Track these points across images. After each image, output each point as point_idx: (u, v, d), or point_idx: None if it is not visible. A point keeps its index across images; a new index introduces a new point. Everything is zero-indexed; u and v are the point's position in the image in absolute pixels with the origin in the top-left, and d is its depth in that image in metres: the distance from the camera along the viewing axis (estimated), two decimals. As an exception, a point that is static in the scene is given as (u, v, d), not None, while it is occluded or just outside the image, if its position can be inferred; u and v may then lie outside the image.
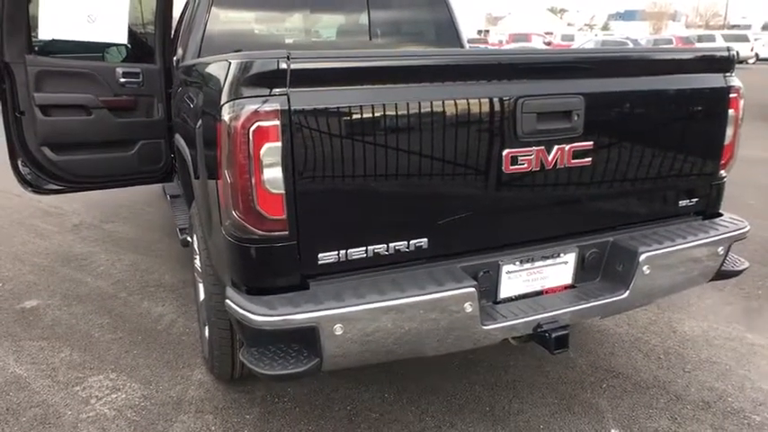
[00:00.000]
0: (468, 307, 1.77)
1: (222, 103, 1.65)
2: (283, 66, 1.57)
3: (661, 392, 2.63)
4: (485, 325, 1.85)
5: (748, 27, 57.70)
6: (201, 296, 2.91)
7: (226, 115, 1.62)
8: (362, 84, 1.67)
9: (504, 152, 1.85)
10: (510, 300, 2.03)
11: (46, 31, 3.69)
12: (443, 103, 1.75)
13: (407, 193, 1.79)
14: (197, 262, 2.89)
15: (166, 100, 4.06)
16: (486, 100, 1.80)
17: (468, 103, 1.78)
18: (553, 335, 1.94)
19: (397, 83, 1.72)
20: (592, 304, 2.02)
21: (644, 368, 2.83)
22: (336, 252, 1.73)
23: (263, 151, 1.58)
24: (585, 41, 30.06)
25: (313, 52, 1.65)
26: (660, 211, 2.25)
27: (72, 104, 3.78)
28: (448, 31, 3.97)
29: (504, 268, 1.98)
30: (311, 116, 1.61)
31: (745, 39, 30.43)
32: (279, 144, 1.59)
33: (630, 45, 26.48)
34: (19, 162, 3.83)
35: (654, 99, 2.06)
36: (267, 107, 1.57)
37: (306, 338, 1.66)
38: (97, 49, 4.10)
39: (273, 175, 1.60)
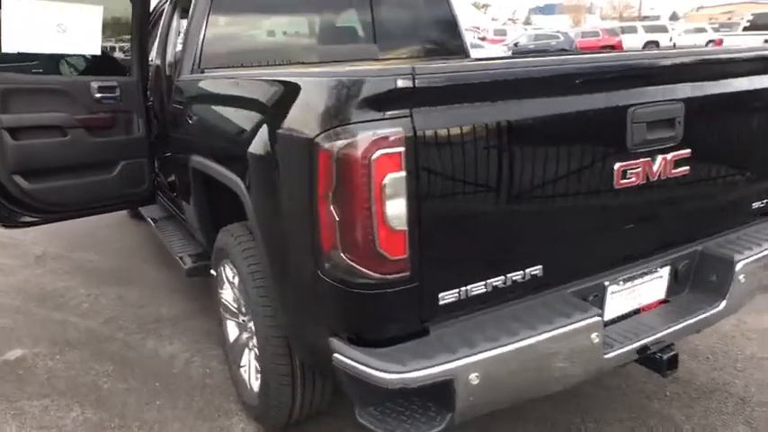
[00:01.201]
0: (594, 337, 1.62)
1: (326, 128, 1.42)
2: (407, 84, 1.35)
3: (725, 396, 2.59)
4: (605, 353, 1.71)
5: (657, 18, 60.93)
6: (231, 335, 2.64)
7: (333, 142, 1.39)
8: (492, 99, 1.48)
9: (616, 166, 1.71)
10: (614, 322, 1.90)
11: (9, 44, 3.25)
12: (563, 115, 1.58)
13: (528, 217, 1.62)
14: (224, 296, 2.62)
15: (146, 115, 3.72)
16: (600, 110, 1.65)
17: (584, 115, 1.63)
18: (664, 356, 1.82)
19: (530, 96, 1.54)
20: (694, 320, 1.92)
21: (698, 371, 2.79)
22: (457, 290, 1.54)
23: (386, 183, 1.36)
24: (518, 36, 30.75)
25: (436, 66, 1.44)
26: (740, 214, 2.18)
27: (44, 125, 3.37)
28: (449, 30, 3.82)
29: (610, 289, 1.85)
30: (436, 140, 1.41)
31: (664, 29, 32.05)
32: (403, 174, 1.38)
33: (561, 38, 27.31)
34: (-15, 194, 3.39)
35: (742, 100, 1.99)
36: (390, 132, 1.35)
37: (434, 392, 1.46)
38: (48, 62, 3.70)
39: (397, 209, 1.39)
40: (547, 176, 1.59)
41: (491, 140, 1.48)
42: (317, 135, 1.44)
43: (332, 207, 1.43)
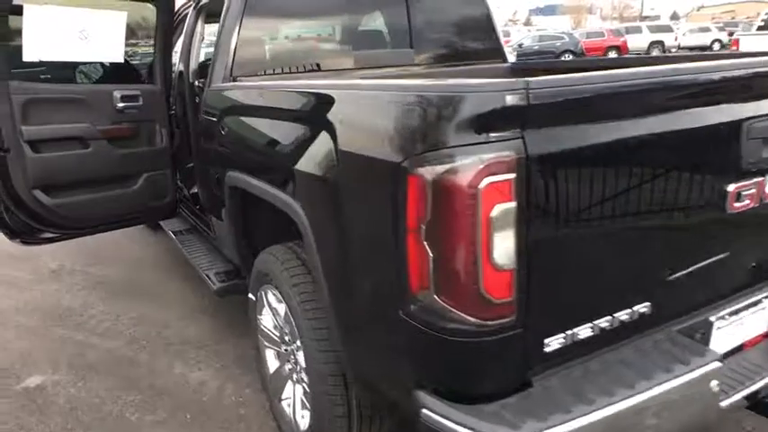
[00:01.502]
0: (714, 385, 1.42)
1: (418, 151, 1.23)
2: (520, 100, 1.16)
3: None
4: (721, 401, 1.51)
5: (657, 17, 60.70)
6: (271, 365, 2.45)
7: (428, 168, 1.20)
8: (613, 115, 1.28)
9: (731, 188, 1.51)
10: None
11: (31, 52, 3.07)
12: (680, 132, 1.39)
13: (642, 248, 1.42)
14: (264, 323, 2.42)
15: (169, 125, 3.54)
16: (717, 125, 1.46)
17: (699, 131, 1.43)
18: (776, 400, 1.62)
19: (654, 111, 1.34)
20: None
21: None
22: (563, 334, 1.34)
23: (494, 215, 1.17)
24: (522, 37, 30.58)
25: (552, 79, 1.24)
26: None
27: (66, 137, 3.18)
28: (486, 32, 3.63)
29: (716, 325, 1.65)
30: (550, 164, 1.22)
31: (669, 29, 31.85)
32: (513, 204, 1.18)
33: (566, 39, 27.12)
34: (3, 210, 3.20)
35: None
36: (500, 157, 1.16)
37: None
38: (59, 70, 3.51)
39: (506, 245, 1.19)
40: (664, 203, 1.40)
41: (609, 163, 1.29)
42: (406, 159, 1.25)
43: (425, 242, 1.24)
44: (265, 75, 2.92)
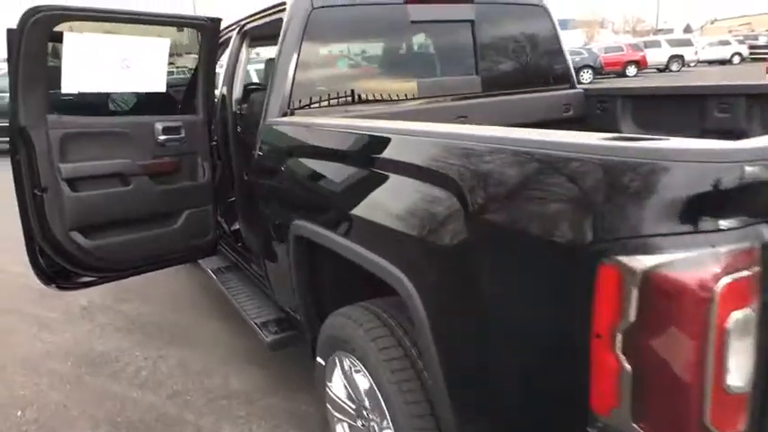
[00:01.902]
0: None
1: (615, 235, 0.95)
2: (763, 172, 0.87)
3: None
4: None
5: (671, 31, 60.30)
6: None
7: (635, 259, 0.91)
8: None
9: None
10: None
11: (71, 84, 2.84)
12: None
13: None
14: (335, 391, 2.14)
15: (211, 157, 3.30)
16: None
17: None
18: None
19: None
20: None
21: None
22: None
23: (731, 324, 0.88)
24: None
25: None
26: None
27: (106, 174, 2.94)
28: (554, 55, 3.36)
29: None
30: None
31: (688, 43, 31.51)
32: (754, 309, 0.89)
33: (585, 54, 26.85)
34: (38, 253, 2.96)
35: None
36: (738, 249, 0.87)
37: None
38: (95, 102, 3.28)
39: (743, 362, 0.91)
40: None
41: None
42: (595, 243, 0.96)
43: (619, 352, 0.95)
44: (328, 106, 2.67)
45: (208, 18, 3.11)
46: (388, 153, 1.61)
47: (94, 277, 3.13)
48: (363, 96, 2.79)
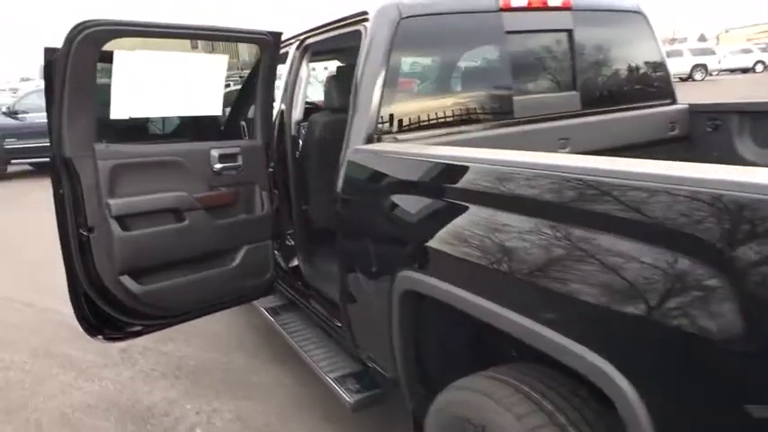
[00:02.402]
0: None
1: None
2: None
3: None
4: None
5: (685, 40, 59.69)
6: None
7: None
8: None
9: None
10: None
11: (120, 109, 2.50)
12: None
13: None
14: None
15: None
16: None
17: None
18: None
19: None
20: None
21: None
22: None
23: None
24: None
25: None
26: None
27: (160, 210, 2.59)
28: (655, 68, 2.98)
29: None
30: None
31: (711, 52, 31.04)
32: None
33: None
34: (82, 300, 2.60)
35: None
36: None
37: None
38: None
39: None
40: None
41: None
42: None
43: None
44: (421, 129, 2.30)
45: (269, 32, 2.77)
46: (589, 203, 1.22)
47: (144, 325, 2.77)
48: (457, 117, 2.42)
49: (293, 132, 3.22)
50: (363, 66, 2.27)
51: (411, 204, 1.82)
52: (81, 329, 2.67)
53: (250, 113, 3.44)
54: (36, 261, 5.72)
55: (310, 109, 3.74)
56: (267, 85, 2.90)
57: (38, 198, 9.31)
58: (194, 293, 2.76)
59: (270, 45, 2.80)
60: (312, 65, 3.44)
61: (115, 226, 2.45)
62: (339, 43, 2.62)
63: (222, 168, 2.76)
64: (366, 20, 2.36)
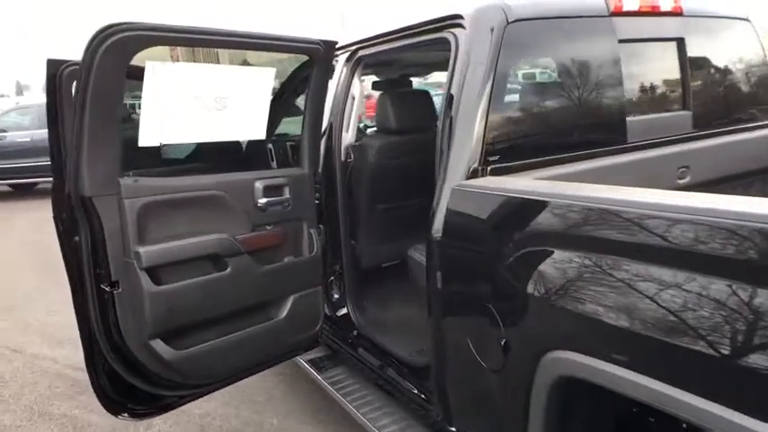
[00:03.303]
0: None
1: None
2: None
3: None
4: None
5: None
6: None
7: None
8: None
9: None
10: None
11: (150, 134, 2.03)
12: None
13: None
14: None
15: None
16: None
17: None
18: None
19: None
20: None
21: None
22: None
23: None
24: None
25: None
26: None
27: (198, 257, 2.11)
28: (764, 76, 2.59)
29: None
30: None
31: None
32: None
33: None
34: (103, 370, 2.11)
35: None
36: None
37: None
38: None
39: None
40: None
41: None
42: None
43: None
44: (532, 159, 1.87)
45: (321, 41, 2.33)
46: None
47: (176, 396, 2.28)
48: (568, 143, 2.00)
49: (342, 158, 2.76)
50: (462, 82, 1.83)
51: (567, 264, 1.37)
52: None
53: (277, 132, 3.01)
54: (22, 297, 5.16)
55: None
56: (317, 104, 2.45)
57: (22, 224, 8.71)
58: (236, 355, 2.28)
59: (322, 56, 2.36)
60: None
61: (145, 279, 1.97)
62: (407, 54, 2.18)
63: (267, 203, 2.29)
64: (458, 25, 1.93)
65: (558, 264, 1.39)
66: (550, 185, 1.58)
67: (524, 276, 1.44)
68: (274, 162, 3.41)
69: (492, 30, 1.82)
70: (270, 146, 3.36)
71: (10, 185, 11.75)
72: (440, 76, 4.26)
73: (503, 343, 1.51)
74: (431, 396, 2.06)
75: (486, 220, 1.62)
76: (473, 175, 1.77)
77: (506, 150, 1.83)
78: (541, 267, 1.42)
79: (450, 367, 1.84)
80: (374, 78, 3.63)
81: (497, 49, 1.80)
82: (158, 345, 2.04)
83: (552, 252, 1.42)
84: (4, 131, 11.37)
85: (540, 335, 1.41)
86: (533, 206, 1.50)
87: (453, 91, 1.87)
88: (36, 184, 11.53)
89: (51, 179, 2.51)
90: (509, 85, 1.86)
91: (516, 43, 1.84)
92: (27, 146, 10.68)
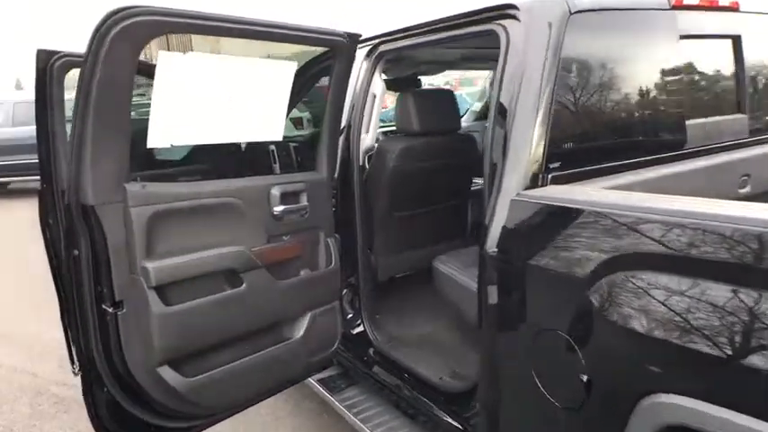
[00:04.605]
0: None
1: None
2: None
3: None
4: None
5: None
6: None
7: None
8: None
9: None
10: None
11: (159, 134, 1.78)
12: None
13: None
14: None
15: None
16: None
17: None
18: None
19: None
20: None
21: None
22: None
23: None
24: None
25: None
26: None
27: (212, 272, 1.88)
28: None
29: None
30: None
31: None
32: None
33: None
34: (103, 400, 1.86)
35: None
36: None
37: None
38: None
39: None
40: None
41: None
42: None
43: None
44: (593, 165, 1.67)
45: (346, 33, 2.11)
46: None
47: (184, 428, 2.03)
48: (627, 149, 1.81)
49: (360, 162, 2.54)
50: (518, 80, 1.63)
51: (678, 292, 1.17)
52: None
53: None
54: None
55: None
56: (337, 101, 2.23)
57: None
58: (247, 381, 2.05)
59: (345, 50, 2.14)
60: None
61: (154, 299, 1.73)
62: (438, 49, 1.98)
63: (284, 211, 2.07)
64: (511, 16, 1.73)
65: (665, 291, 1.20)
66: (643, 198, 1.39)
67: (617, 304, 1.24)
68: (277, 165, 3.18)
69: (552, 21, 1.62)
70: (272, 147, 3.13)
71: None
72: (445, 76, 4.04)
73: (584, 379, 1.31)
74: (473, 429, 1.85)
75: (561, 237, 1.42)
76: (533, 183, 1.57)
77: (568, 156, 1.63)
78: (645, 295, 1.22)
79: (506, 400, 1.63)
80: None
81: (559, 42, 1.60)
82: (167, 372, 1.80)
83: (655, 277, 1.22)
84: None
85: (639, 374, 1.21)
86: (626, 222, 1.29)
87: (506, 90, 1.66)
88: (8, 183, 11.10)
89: (39, 181, 2.26)
90: (570, 84, 1.66)
91: (578, 37, 1.65)
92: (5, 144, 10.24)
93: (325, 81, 2.44)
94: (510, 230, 1.55)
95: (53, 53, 2.19)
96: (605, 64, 1.75)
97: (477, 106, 4.60)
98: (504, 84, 1.69)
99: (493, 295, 1.59)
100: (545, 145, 1.58)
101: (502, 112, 1.66)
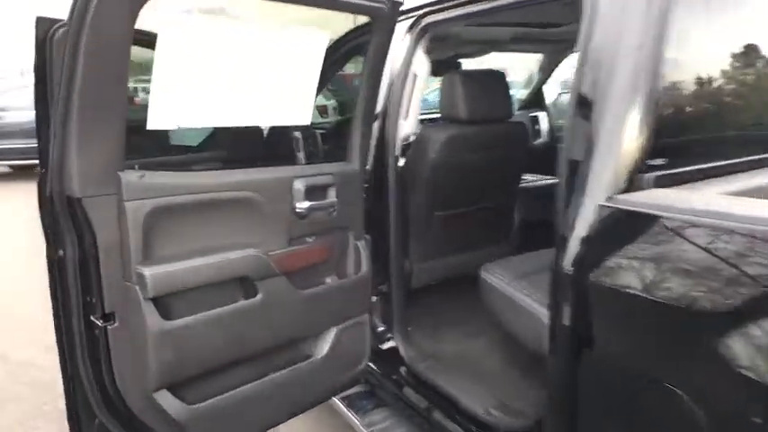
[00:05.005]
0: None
1: None
2: None
3: None
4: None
5: None
6: None
7: None
8: None
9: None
10: None
11: (161, 116, 1.47)
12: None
13: None
14: None
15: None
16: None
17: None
18: None
19: None
20: None
21: None
22: None
23: None
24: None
25: None
26: None
27: (221, 281, 1.57)
28: None
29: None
30: None
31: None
32: None
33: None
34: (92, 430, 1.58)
35: None
36: None
37: None
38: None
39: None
40: None
41: None
42: None
43: None
44: (700, 164, 1.32)
45: (387, 0, 1.77)
46: None
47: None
48: (738, 143, 1.45)
49: (397, 152, 2.21)
50: (609, 57, 1.28)
51: None
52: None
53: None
54: (11, 288, 4.64)
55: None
56: (374, 80, 1.90)
57: (21, 207, 8.16)
58: (260, 407, 1.74)
59: (384, 20, 1.80)
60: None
61: (151, 312, 1.43)
62: (486, 27, 1.63)
63: (309, 208, 1.75)
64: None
65: None
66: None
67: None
68: (302, 153, 2.87)
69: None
70: (297, 133, 2.82)
71: (10, 166, 11.20)
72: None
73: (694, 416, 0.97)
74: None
75: (673, 259, 1.07)
76: (628, 186, 1.22)
77: (673, 153, 1.28)
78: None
79: None
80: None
81: (665, 11, 1.25)
82: (165, 398, 1.51)
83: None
84: (4, 110, 10.77)
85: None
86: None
87: (589, 69, 1.31)
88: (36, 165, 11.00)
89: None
90: (676, 61, 1.30)
91: (683, 3, 1.29)
92: (27, 126, 10.11)
93: (347, 69, 2.13)
94: (597, 245, 1.21)
95: (55, 21, 1.90)
96: (711, 37, 1.39)
97: (523, 94, 4.23)
98: (586, 60, 1.34)
99: (571, 325, 1.25)
100: (648, 135, 1.23)
101: (584, 97, 1.32)
